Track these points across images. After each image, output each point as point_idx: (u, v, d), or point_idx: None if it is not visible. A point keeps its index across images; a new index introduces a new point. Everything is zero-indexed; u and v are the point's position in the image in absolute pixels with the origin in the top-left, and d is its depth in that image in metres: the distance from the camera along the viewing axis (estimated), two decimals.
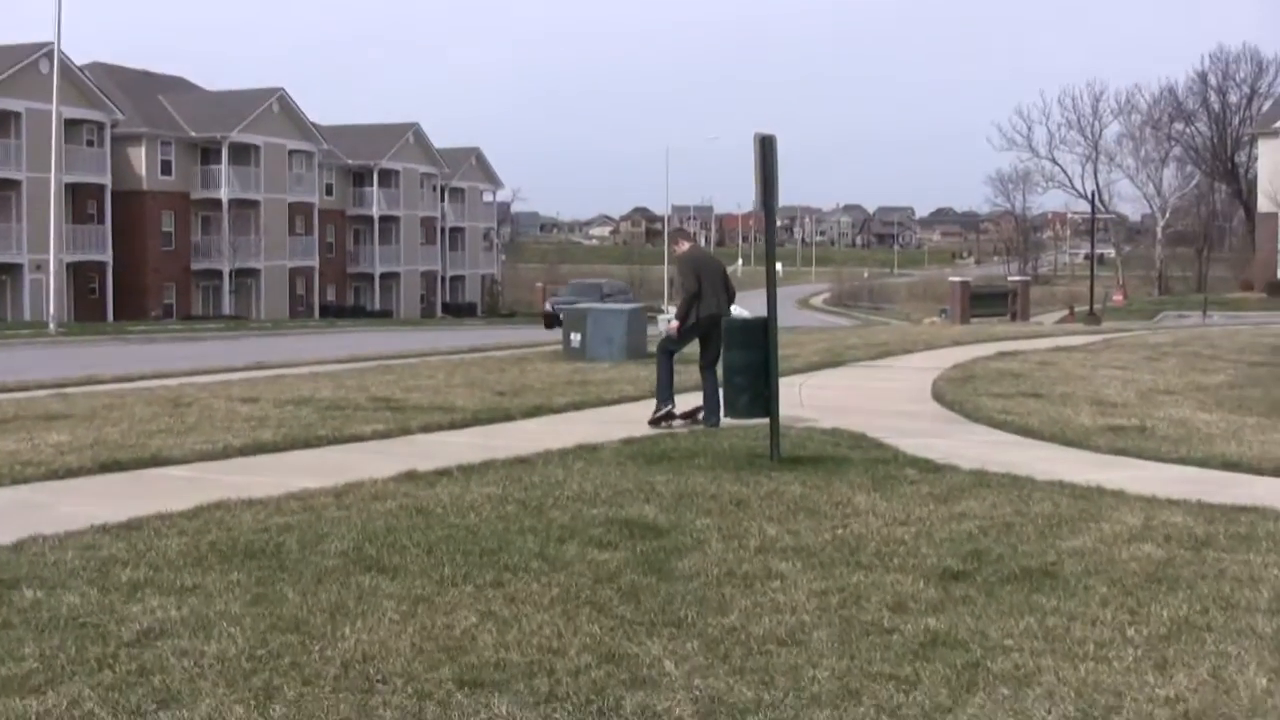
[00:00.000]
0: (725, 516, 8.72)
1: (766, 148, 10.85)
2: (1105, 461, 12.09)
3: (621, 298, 53.45)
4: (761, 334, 11.10)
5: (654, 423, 14.14)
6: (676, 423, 14.16)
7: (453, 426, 14.01)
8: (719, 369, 12.84)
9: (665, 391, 14.33)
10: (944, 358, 25.22)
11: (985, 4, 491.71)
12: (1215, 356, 25.43)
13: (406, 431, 13.51)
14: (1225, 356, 25.43)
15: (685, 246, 15.12)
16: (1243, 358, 25.33)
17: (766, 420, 11.34)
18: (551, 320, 50.55)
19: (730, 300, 14.59)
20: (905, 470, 10.74)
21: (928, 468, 10.96)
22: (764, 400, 10.98)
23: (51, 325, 45.67)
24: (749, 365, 11.00)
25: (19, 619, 6.21)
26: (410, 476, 10.15)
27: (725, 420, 13.30)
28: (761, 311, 11.91)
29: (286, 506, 8.87)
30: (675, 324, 14.38)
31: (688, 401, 14.48)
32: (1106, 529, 8.42)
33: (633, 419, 14.44)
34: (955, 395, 17.37)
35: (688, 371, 15.19)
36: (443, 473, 10.36)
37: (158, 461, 11.20)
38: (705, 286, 14.23)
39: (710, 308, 14.21)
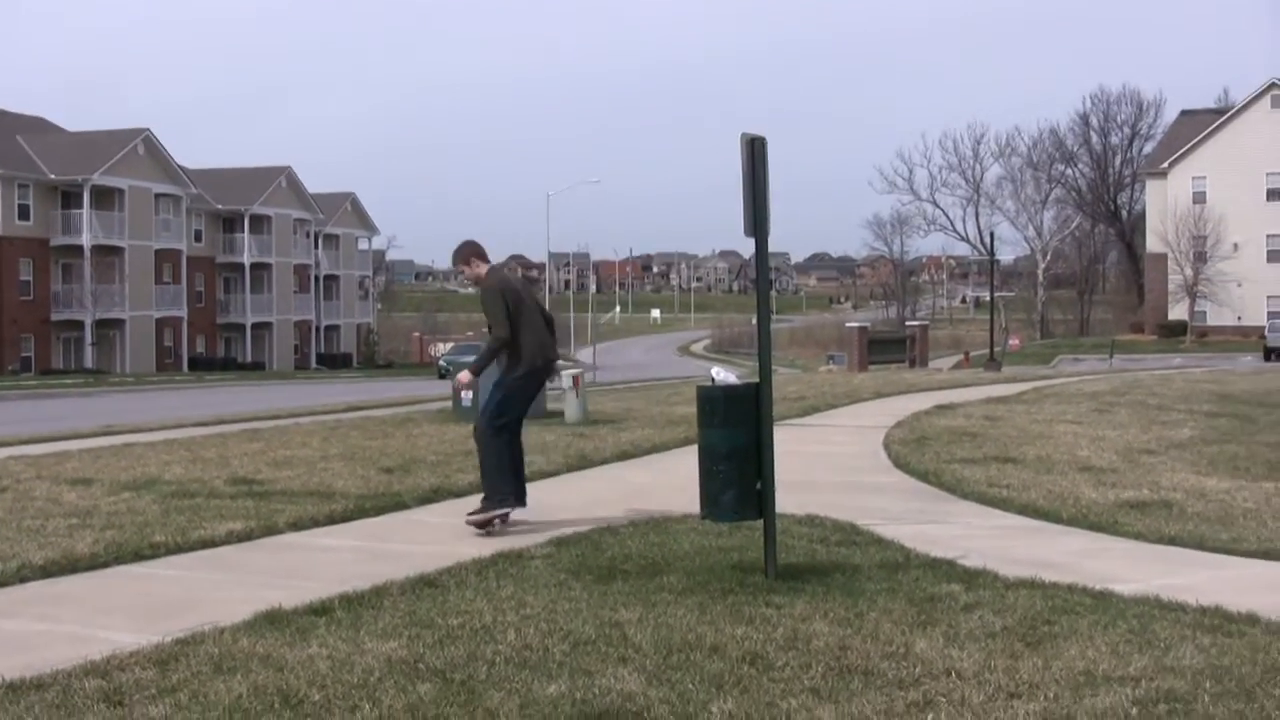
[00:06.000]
0: (746, 692, 5.80)
1: (756, 152, 7.91)
2: (1162, 556, 9.73)
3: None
4: (752, 407, 8.02)
5: (481, 525, 10.46)
6: (504, 524, 10.64)
7: (331, 521, 11.02)
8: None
9: (503, 480, 10.55)
10: (877, 413, 23.65)
11: (860, 48, 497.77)
12: (1162, 407, 23.90)
13: (272, 530, 10.48)
14: (1175, 407, 23.71)
15: (483, 268, 10.88)
16: (1193, 407, 23.64)
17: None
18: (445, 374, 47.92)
19: (553, 340, 10.93)
20: (941, 586, 7.99)
21: (963, 578, 8.25)
22: (755, 496, 8.03)
23: None
24: (736, 450, 7.89)
25: None
26: (273, 619, 7.09)
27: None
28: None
29: (76, 696, 5.74)
30: (467, 375, 10.88)
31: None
32: None
33: (551, 504, 11.65)
34: (919, 462, 15.38)
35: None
36: (320, 609, 7.34)
37: None
38: (525, 324, 10.57)
39: (535, 354, 10.60)
